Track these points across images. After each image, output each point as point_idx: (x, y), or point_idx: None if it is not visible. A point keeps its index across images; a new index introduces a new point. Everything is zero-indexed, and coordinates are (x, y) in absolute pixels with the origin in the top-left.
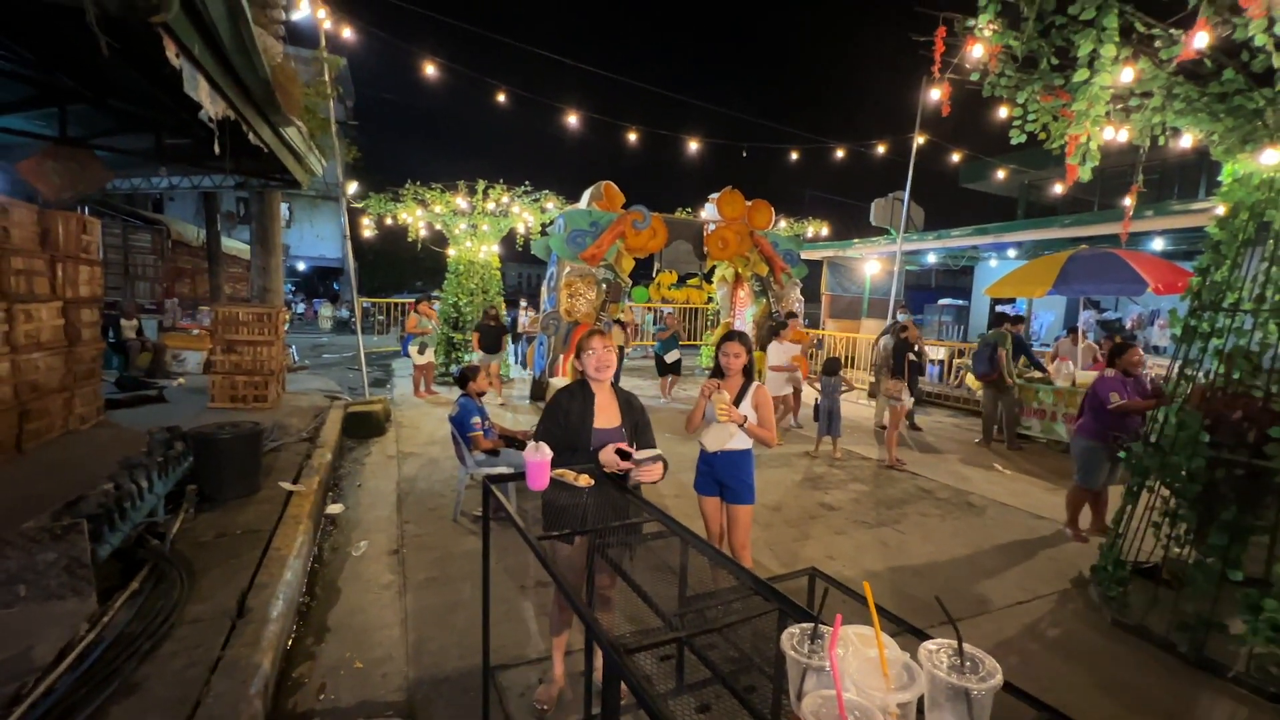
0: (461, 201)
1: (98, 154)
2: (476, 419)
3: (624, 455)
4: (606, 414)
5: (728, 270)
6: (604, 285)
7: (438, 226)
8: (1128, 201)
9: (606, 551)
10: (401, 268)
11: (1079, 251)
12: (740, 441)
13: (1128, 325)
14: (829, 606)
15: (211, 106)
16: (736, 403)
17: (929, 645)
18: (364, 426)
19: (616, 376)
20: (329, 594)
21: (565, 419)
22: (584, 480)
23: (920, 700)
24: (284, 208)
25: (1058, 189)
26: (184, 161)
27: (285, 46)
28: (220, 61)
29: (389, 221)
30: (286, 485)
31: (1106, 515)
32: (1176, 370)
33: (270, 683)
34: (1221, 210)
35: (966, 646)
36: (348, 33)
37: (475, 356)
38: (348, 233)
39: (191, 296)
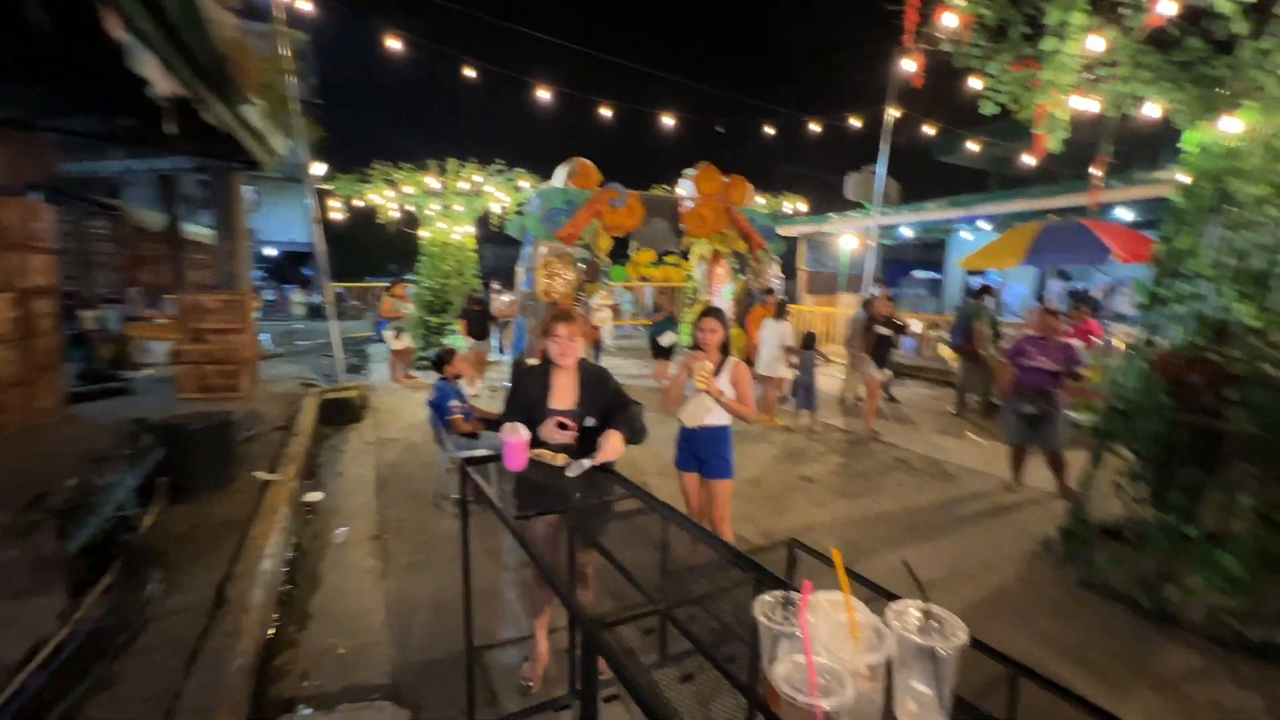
0: (432, 181)
1: (42, 135)
2: (455, 402)
3: (564, 427)
4: (562, 394)
5: (705, 247)
6: (582, 265)
7: (409, 208)
8: (1096, 172)
9: (584, 529)
10: (375, 251)
11: (1049, 223)
12: (718, 417)
13: (1096, 294)
14: (807, 575)
15: (161, 82)
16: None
17: (894, 606)
18: (341, 413)
19: (596, 358)
20: (310, 582)
21: (524, 398)
22: (561, 459)
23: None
24: (252, 191)
25: (1029, 160)
26: (137, 143)
27: (240, 21)
28: (168, 34)
29: (357, 203)
30: (262, 475)
31: (1069, 478)
32: (1144, 336)
33: (252, 671)
34: (1187, 179)
35: (932, 606)
36: (308, 6)
37: (464, 344)
38: (316, 215)
39: (155, 285)
